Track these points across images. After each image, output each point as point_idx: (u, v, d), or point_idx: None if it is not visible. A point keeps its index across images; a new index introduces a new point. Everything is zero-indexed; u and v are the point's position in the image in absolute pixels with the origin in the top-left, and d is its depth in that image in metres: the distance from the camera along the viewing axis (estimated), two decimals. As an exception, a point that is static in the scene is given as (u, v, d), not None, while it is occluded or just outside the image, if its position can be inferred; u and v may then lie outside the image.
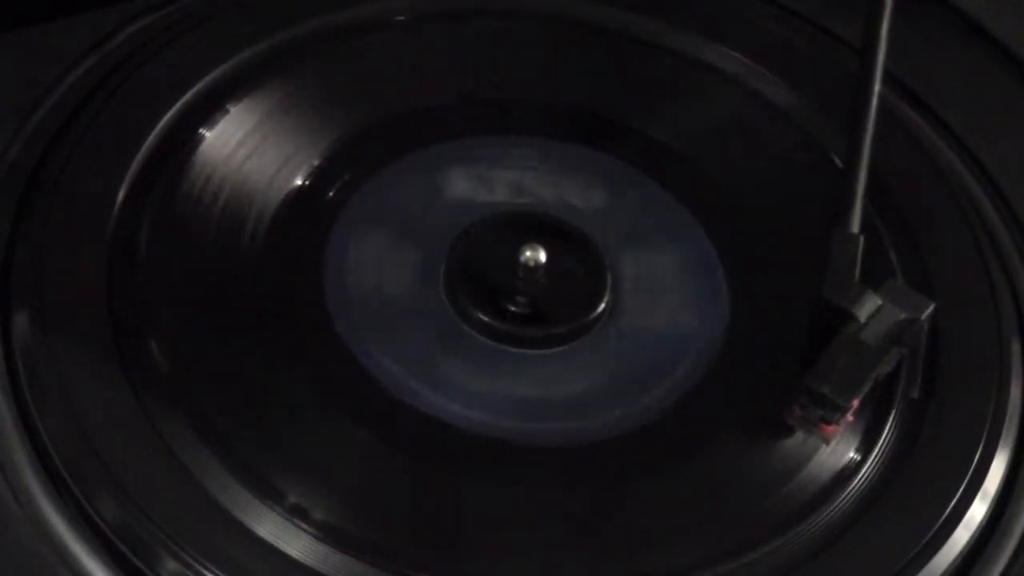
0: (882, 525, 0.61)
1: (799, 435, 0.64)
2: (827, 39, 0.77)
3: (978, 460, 0.63)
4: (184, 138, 0.68)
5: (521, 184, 0.71)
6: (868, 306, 0.63)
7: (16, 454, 0.60)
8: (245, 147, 0.69)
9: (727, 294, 0.69)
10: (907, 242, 0.69)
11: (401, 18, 0.75)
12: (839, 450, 0.64)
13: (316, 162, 0.70)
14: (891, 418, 0.64)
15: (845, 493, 0.62)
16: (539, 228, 0.68)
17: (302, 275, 0.67)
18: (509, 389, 0.65)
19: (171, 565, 0.58)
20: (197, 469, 0.59)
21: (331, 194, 0.69)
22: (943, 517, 0.62)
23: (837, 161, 0.70)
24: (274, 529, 0.59)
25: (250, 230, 0.67)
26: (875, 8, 0.70)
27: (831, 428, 0.63)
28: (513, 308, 0.67)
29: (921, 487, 0.62)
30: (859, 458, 0.63)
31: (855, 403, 0.62)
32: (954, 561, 0.61)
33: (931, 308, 0.64)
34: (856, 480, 0.63)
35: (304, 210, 0.69)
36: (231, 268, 0.66)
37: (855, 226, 0.66)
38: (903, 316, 0.63)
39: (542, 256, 0.67)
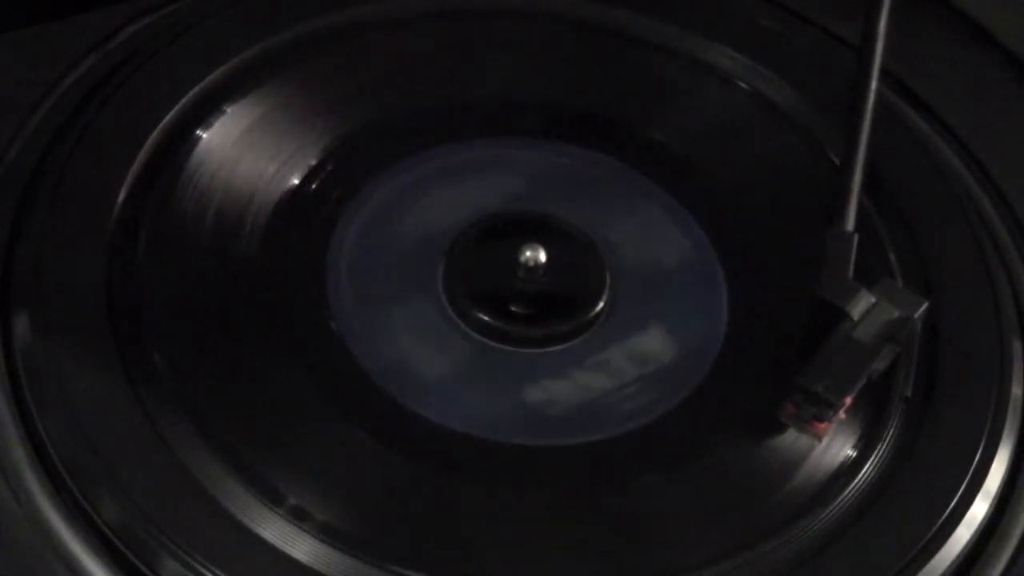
0: (882, 525, 0.61)
1: (799, 435, 0.64)
2: (827, 39, 0.77)
3: (978, 460, 0.63)
4: (184, 138, 0.68)
5: (521, 184, 0.71)
6: (862, 304, 0.63)
7: (16, 454, 0.60)
8: (244, 147, 0.69)
9: (727, 294, 0.69)
10: (906, 242, 0.69)
11: (401, 18, 0.75)
12: (839, 450, 0.64)
13: (315, 162, 0.70)
14: (891, 418, 0.64)
15: (845, 493, 0.62)
16: (539, 228, 0.68)
17: (301, 275, 0.67)
18: (509, 389, 0.65)
19: (171, 565, 0.58)
20: (197, 469, 0.59)
21: (330, 194, 0.69)
22: (943, 517, 0.62)
23: (836, 161, 0.70)
24: (274, 530, 0.59)
25: (249, 230, 0.67)
26: (873, 7, 0.70)
27: (824, 426, 0.63)
28: (513, 308, 0.67)
29: (921, 487, 0.62)
30: (859, 457, 0.63)
31: (848, 401, 0.62)
32: (954, 561, 0.61)
33: (924, 306, 0.64)
34: (856, 480, 0.63)
35: (303, 210, 0.69)
36: (231, 268, 0.66)
37: (850, 224, 0.66)
38: (896, 314, 0.63)
39: (542, 256, 0.67)
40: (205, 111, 0.69)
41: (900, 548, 0.61)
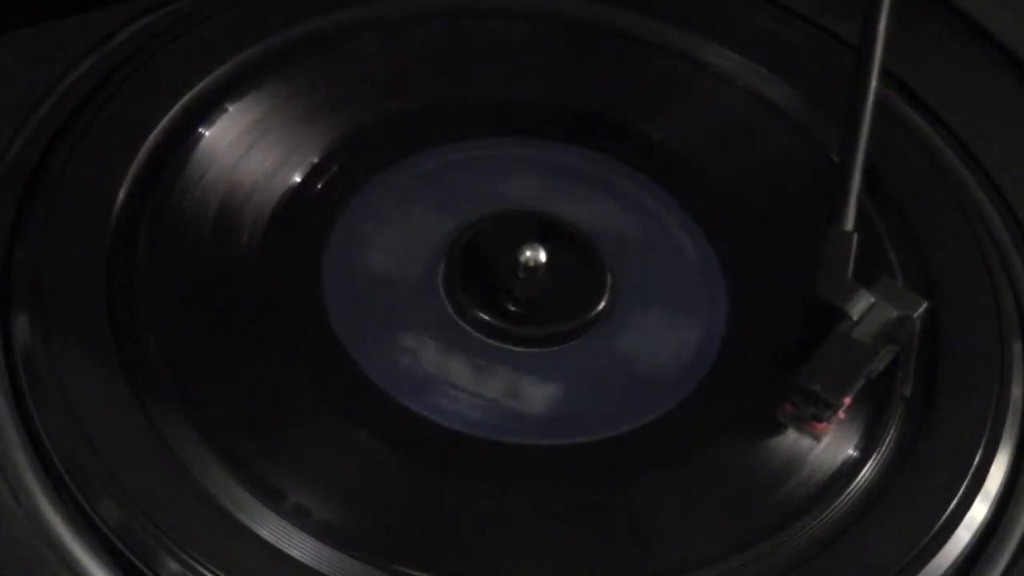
0: (882, 525, 0.61)
1: (798, 435, 0.64)
2: (827, 39, 0.77)
3: (979, 461, 0.63)
4: (184, 138, 0.68)
5: (521, 185, 0.71)
6: (861, 304, 0.63)
7: (16, 454, 0.60)
8: (244, 147, 0.69)
9: (726, 294, 0.69)
10: (907, 242, 0.69)
11: (400, 18, 0.75)
12: (839, 450, 0.64)
13: (315, 161, 0.70)
14: (891, 418, 0.64)
15: (845, 493, 0.62)
16: (539, 228, 0.68)
17: (301, 275, 0.67)
18: (509, 389, 0.65)
19: (171, 566, 0.58)
20: (197, 470, 0.59)
21: (330, 194, 0.69)
22: (943, 517, 0.62)
23: (836, 161, 0.70)
24: (274, 530, 0.59)
25: (249, 229, 0.67)
26: (873, 7, 0.70)
27: (823, 426, 0.63)
28: (513, 308, 0.67)
29: (921, 487, 0.62)
30: (859, 458, 0.63)
31: (847, 401, 0.62)
32: (954, 562, 0.61)
33: (924, 306, 0.64)
34: (856, 480, 0.63)
35: (303, 210, 0.69)
36: (231, 268, 0.66)
37: (849, 224, 0.66)
38: (896, 314, 0.63)
39: (542, 256, 0.67)
40: (205, 111, 0.69)
41: (900, 548, 0.61)
